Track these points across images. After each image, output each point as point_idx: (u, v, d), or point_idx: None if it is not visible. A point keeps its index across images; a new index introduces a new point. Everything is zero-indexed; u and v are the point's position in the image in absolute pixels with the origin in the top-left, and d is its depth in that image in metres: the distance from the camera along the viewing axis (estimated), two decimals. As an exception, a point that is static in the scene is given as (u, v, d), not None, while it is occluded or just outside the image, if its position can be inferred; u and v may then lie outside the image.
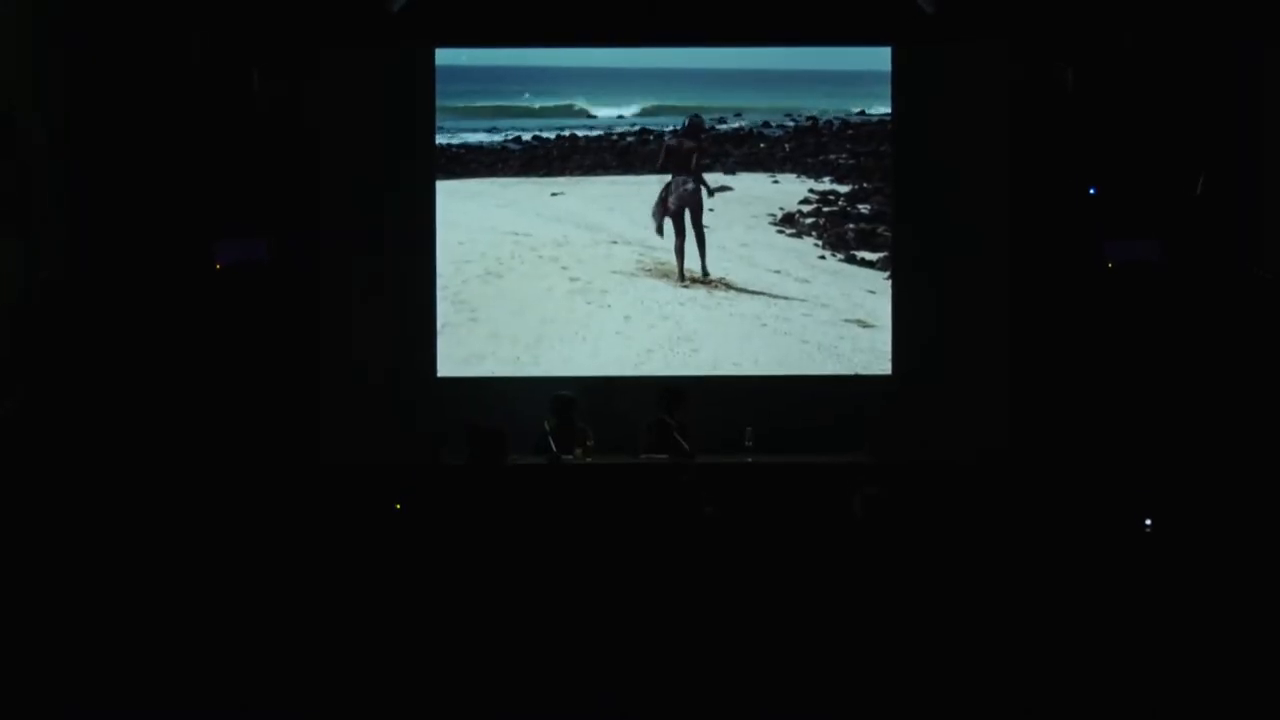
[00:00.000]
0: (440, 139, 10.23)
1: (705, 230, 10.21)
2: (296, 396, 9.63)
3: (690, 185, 10.10)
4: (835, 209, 10.29)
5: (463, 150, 10.33)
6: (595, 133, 10.32)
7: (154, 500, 8.59)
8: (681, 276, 10.19)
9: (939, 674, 6.22)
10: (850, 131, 10.31)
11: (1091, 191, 9.54)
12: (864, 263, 10.22)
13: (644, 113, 10.33)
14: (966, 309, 9.88)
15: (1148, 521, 8.34)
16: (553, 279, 10.23)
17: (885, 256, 10.18)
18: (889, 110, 10.19)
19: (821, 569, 7.28)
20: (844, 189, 10.29)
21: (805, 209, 10.32)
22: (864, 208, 10.29)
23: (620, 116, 10.32)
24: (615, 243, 10.26)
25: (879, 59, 10.18)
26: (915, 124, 10.04)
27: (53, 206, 8.95)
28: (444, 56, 10.14)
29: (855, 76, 10.33)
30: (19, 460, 8.37)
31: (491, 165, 10.39)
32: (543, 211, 10.34)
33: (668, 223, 10.24)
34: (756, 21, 9.96)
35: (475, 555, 7.62)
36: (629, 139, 10.27)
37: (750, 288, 10.25)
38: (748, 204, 10.31)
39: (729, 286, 10.23)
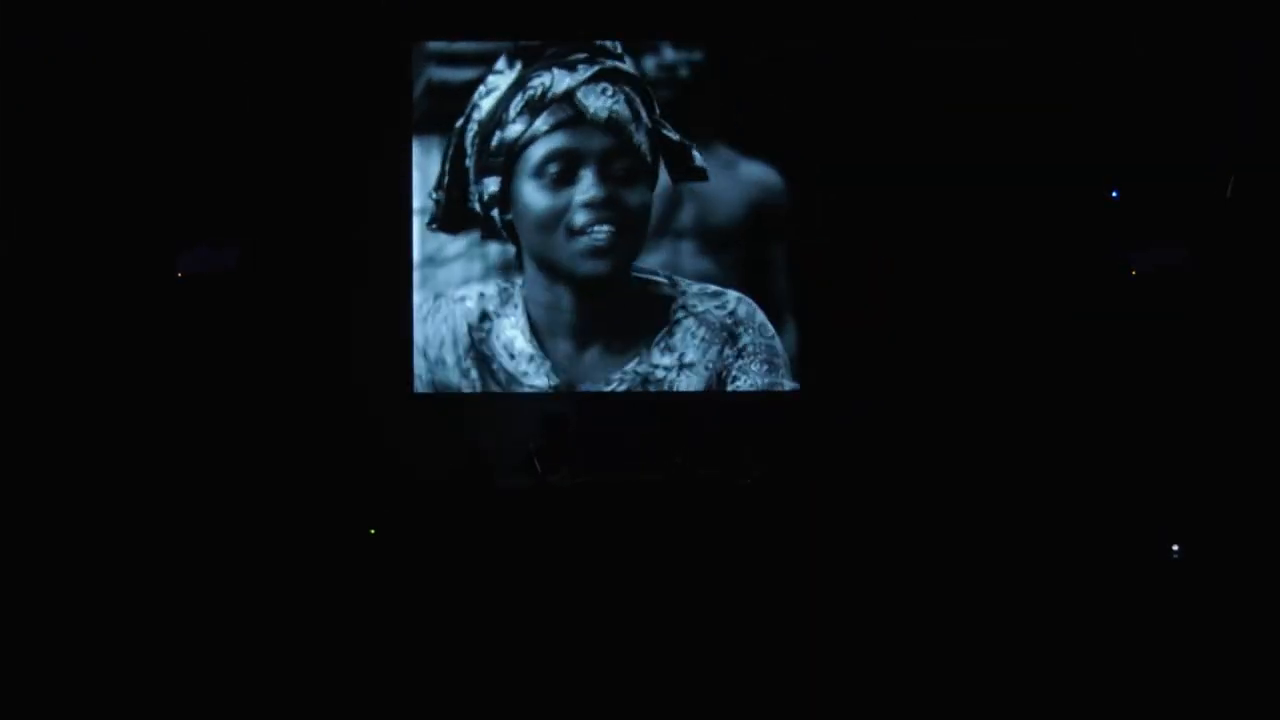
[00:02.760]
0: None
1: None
2: (267, 413, 9.26)
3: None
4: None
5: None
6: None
7: (117, 521, 8.40)
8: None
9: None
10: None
11: (1114, 195, 9.26)
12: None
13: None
14: (980, 317, 9.47)
15: (1175, 548, 8.24)
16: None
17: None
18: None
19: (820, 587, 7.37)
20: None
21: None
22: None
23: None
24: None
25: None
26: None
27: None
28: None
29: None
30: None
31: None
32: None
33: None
34: (761, 23, 9.64)
35: (457, 582, 7.53)
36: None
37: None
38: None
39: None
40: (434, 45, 9.73)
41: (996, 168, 9.36)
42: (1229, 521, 8.33)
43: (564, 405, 9.25)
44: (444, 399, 9.60)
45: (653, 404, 9.34)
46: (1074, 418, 9.11)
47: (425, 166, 9.69)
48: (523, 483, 8.49)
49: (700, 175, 9.53)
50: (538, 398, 9.47)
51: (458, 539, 7.96)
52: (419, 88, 9.72)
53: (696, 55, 9.67)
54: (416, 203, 9.68)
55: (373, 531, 8.23)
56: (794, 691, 6.36)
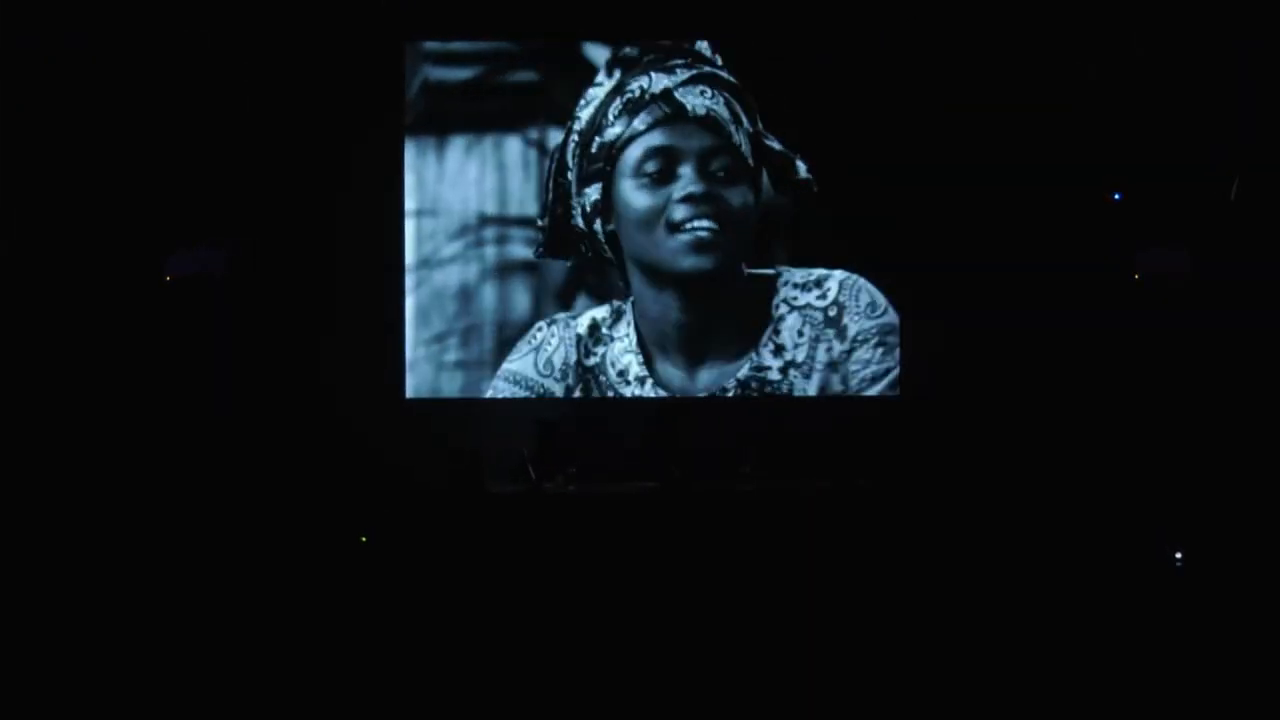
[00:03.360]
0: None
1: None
2: (257, 418, 9.16)
3: None
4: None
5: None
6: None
7: (109, 527, 8.38)
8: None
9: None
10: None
11: (1116, 198, 9.15)
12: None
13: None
14: (980, 325, 9.33)
15: (1178, 555, 8.25)
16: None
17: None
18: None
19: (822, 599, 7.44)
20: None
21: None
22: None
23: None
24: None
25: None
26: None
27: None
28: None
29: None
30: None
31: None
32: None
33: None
34: (760, 22, 9.54)
35: (449, 591, 7.58)
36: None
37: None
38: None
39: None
40: (430, 45, 9.60)
41: (998, 168, 9.26)
42: (1232, 528, 8.29)
43: (557, 410, 9.13)
44: (437, 404, 9.49)
45: (648, 410, 9.20)
46: (1075, 422, 9.03)
47: (419, 168, 9.57)
48: (517, 489, 8.37)
49: (807, 187, 9.37)
50: (531, 403, 9.35)
51: (451, 547, 7.91)
52: (414, 87, 9.60)
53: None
54: (410, 204, 9.55)
55: (364, 539, 8.15)
56: (791, 699, 6.34)
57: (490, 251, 9.62)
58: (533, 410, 9.15)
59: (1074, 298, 9.19)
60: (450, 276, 9.62)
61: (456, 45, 9.63)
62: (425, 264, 9.60)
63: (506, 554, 7.89)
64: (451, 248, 9.63)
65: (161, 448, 8.89)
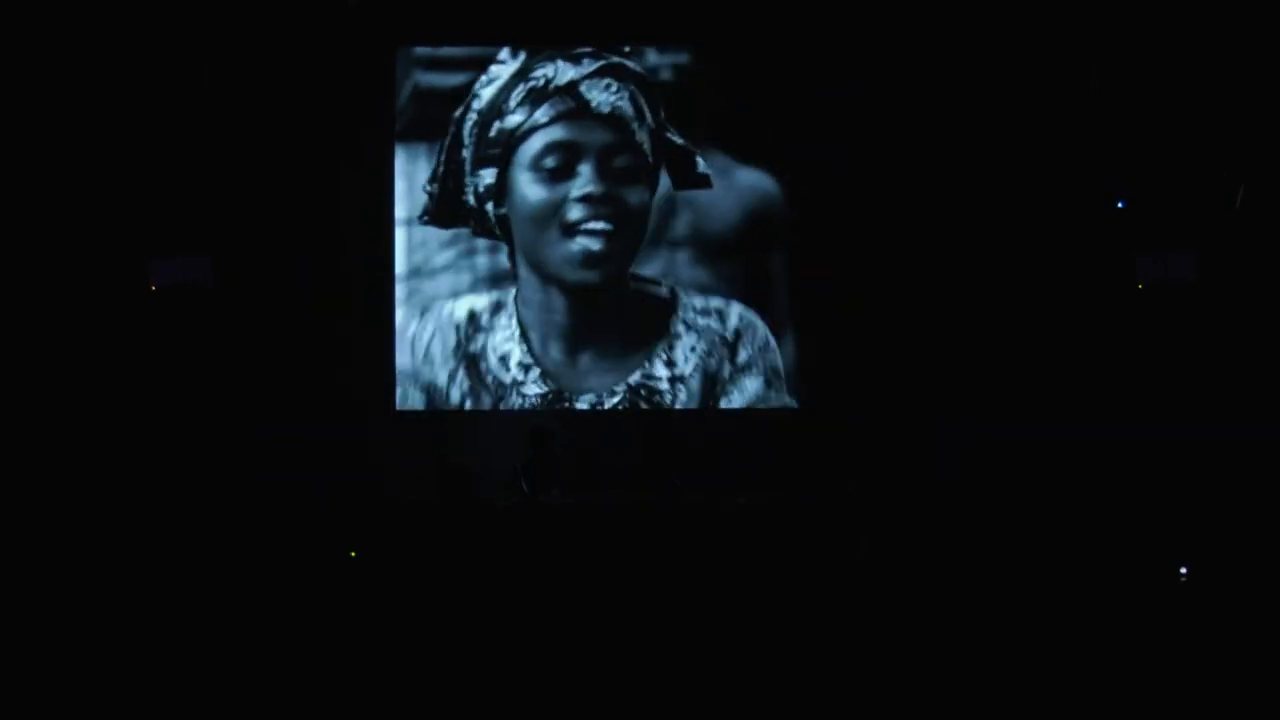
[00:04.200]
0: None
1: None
2: (243, 432, 9.07)
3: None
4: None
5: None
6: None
7: (93, 539, 8.19)
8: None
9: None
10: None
11: (1120, 205, 9.11)
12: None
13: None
14: (984, 325, 9.33)
15: (1182, 570, 8.00)
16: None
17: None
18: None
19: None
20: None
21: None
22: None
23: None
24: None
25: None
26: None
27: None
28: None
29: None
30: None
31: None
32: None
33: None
34: (736, 26, 9.50)
35: (441, 603, 7.39)
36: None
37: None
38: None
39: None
40: (420, 50, 9.54)
41: (1000, 175, 9.24)
42: (1237, 540, 8.16)
43: (550, 420, 9.02)
44: (427, 416, 9.39)
45: (644, 421, 9.17)
46: (1078, 429, 8.98)
47: (410, 175, 9.47)
48: (510, 501, 8.26)
49: (703, 182, 9.36)
50: (522, 413, 9.26)
51: (442, 559, 7.80)
52: (404, 94, 9.52)
53: (683, 58, 9.52)
54: (400, 213, 9.46)
55: (353, 555, 8.04)
56: (787, 711, 6.24)
57: (482, 261, 9.52)
58: (523, 420, 9.04)
59: (1077, 303, 9.18)
60: (442, 286, 9.51)
61: (447, 51, 9.55)
62: (416, 273, 9.50)
63: (499, 566, 7.77)
64: (443, 256, 9.53)
65: (151, 459, 8.83)
